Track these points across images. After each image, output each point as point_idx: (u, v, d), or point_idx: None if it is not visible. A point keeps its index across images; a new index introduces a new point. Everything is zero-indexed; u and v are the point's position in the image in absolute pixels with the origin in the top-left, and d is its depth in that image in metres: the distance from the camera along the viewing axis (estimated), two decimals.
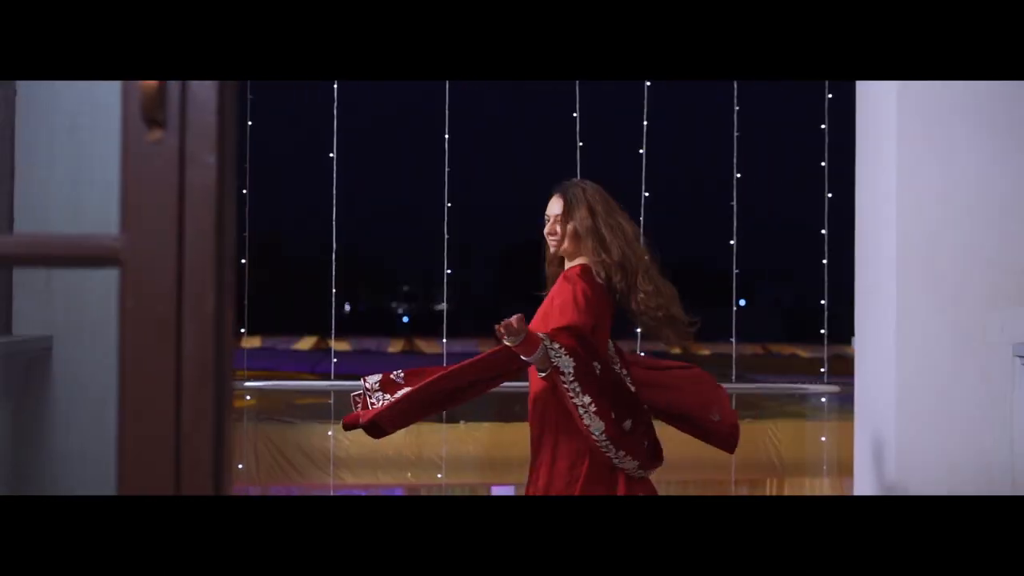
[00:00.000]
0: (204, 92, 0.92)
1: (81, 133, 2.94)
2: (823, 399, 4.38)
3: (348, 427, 2.70)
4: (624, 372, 2.74)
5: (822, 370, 4.17)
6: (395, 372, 2.69)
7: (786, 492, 5.15)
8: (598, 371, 2.58)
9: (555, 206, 2.82)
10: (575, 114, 3.87)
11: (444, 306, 4.36)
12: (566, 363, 2.53)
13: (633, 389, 2.71)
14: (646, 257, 2.78)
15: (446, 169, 3.80)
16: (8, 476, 2.83)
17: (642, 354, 3.61)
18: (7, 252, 0.95)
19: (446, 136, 3.80)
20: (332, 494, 4.31)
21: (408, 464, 4.59)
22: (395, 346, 14.62)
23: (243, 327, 3.94)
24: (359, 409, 2.67)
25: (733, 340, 3.92)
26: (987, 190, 3.20)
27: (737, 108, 3.96)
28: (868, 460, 3.42)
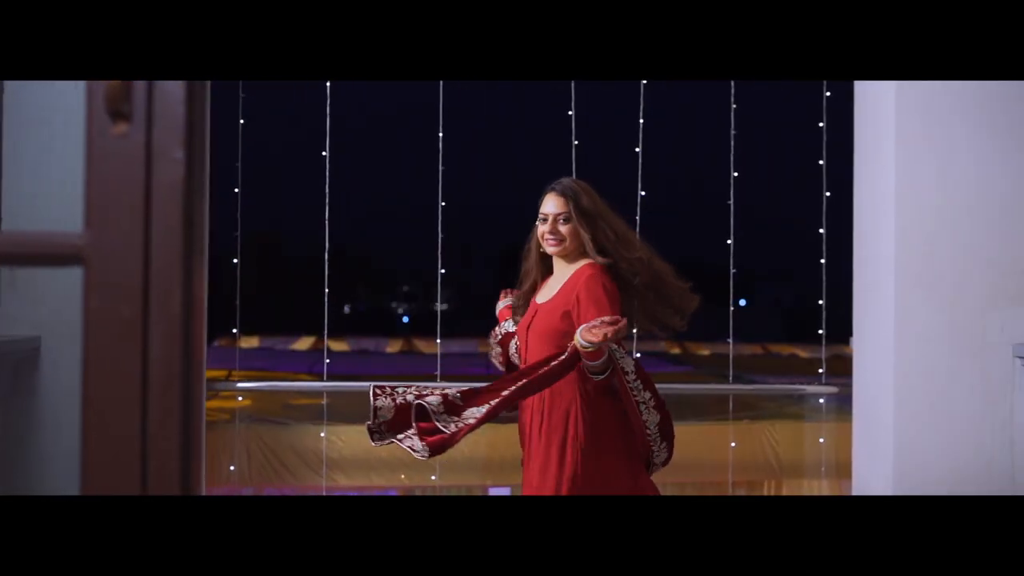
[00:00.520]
0: (171, 85, 0.89)
1: (46, 128, 2.89)
2: (821, 400, 4.35)
3: (437, 452, 2.60)
4: None
5: (820, 371, 4.14)
6: (452, 393, 2.56)
7: (784, 494, 5.12)
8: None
9: (554, 204, 2.77)
10: (570, 112, 3.85)
11: (439, 306, 4.34)
12: (628, 363, 2.61)
13: None
14: (640, 255, 2.76)
15: (440, 168, 3.79)
16: None
17: (638, 355, 3.58)
18: None
19: (440, 134, 3.79)
20: (316, 495, 4.28)
21: (402, 466, 4.56)
22: (393, 346, 14.58)
23: (235, 327, 3.91)
24: (419, 431, 2.56)
25: (730, 340, 3.89)
26: (986, 190, 3.19)
27: (735, 106, 3.94)
28: (867, 462, 3.40)
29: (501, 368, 3.01)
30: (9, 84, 2.99)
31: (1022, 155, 3.20)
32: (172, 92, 0.89)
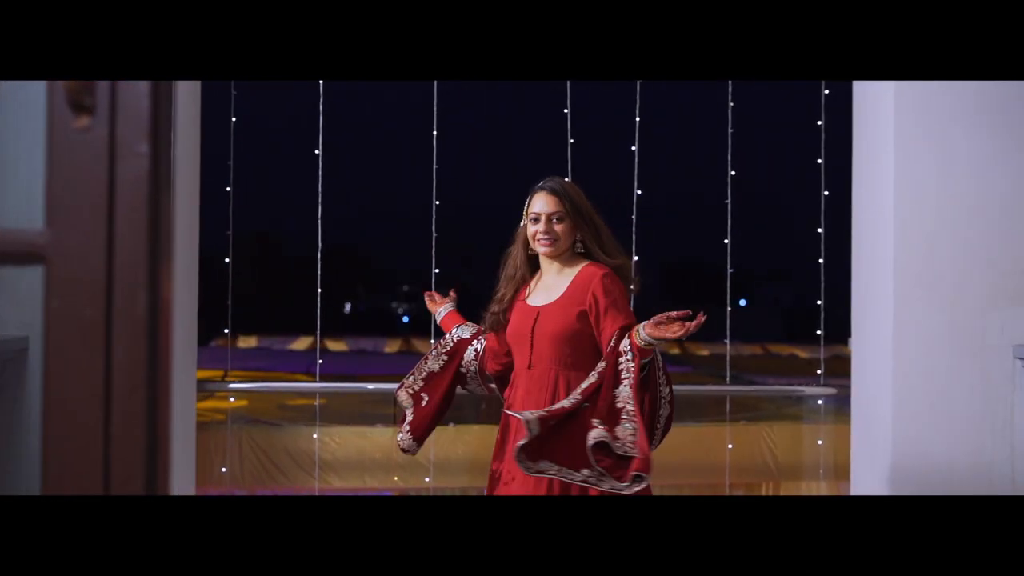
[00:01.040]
0: None
1: (5, 121, 2.83)
2: (819, 401, 4.32)
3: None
4: None
5: (818, 372, 4.11)
6: (547, 409, 2.52)
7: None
8: None
9: (547, 204, 2.73)
10: (566, 110, 3.83)
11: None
12: (659, 357, 2.63)
13: None
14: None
15: (434, 167, 3.77)
16: None
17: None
18: None
19: (434, 132, 3.77)
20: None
21: (395, 467, 4.54)
22: (392, 346, 14.56)
23: (227, 327, 3.88)
24: (609, 470, 2.47)
25: (727, 341, 3.86)
26: (986, 190, 3.17)
27: (732, 104, 3.91)
28: (865, 464, 3.38)
29: (444, 377, 2.90)
30: None
31: (1022, 155, 3.19)
32: (136, 84, 0.85)
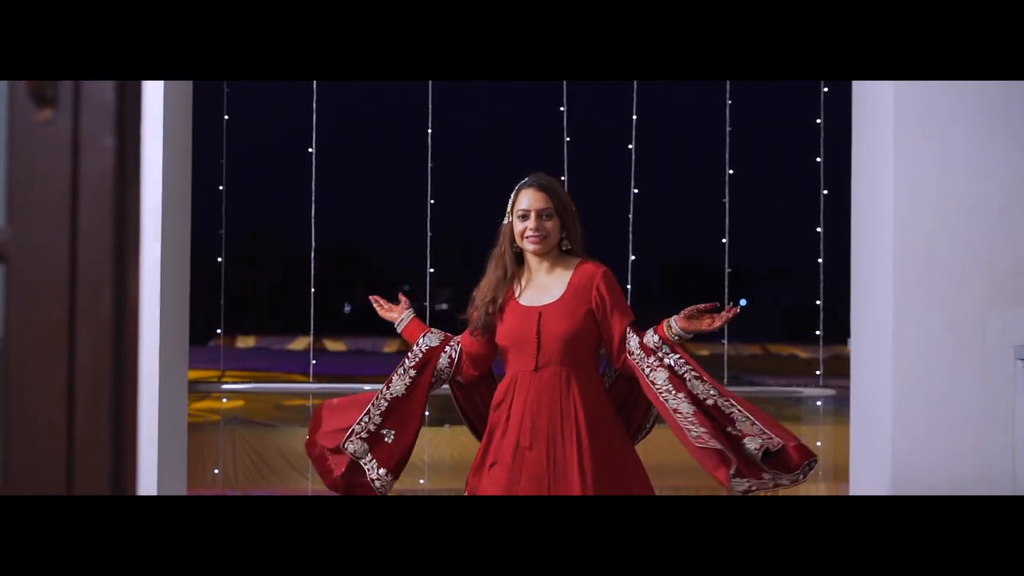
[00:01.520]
0: None
1: None
2: (819, 403, 4.29)
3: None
4: None
5: (817, 372, 4.08)
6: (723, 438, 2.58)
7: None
8: None
9: (535, 200, 2.69)
10: (562, 108, 3.80)
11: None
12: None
13: None
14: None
15: (429, 165, 3.75)
16: None
17: None
18: None
19: (429, 131, 3.75)
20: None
21: None
22: (390, 346, 14.52)
23: (218, 327, 3.86)
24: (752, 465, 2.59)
25: (725, 341, 3.84)
26: (986, 190, 3.16)
27: (729, 102, 3.89)
28: (864, 467, 3.35)
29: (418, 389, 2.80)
30: None
31: (1022, 155, 3.17)
32: None
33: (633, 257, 3.88)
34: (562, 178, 3.82)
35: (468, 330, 2.80)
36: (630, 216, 3.87)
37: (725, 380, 4.34)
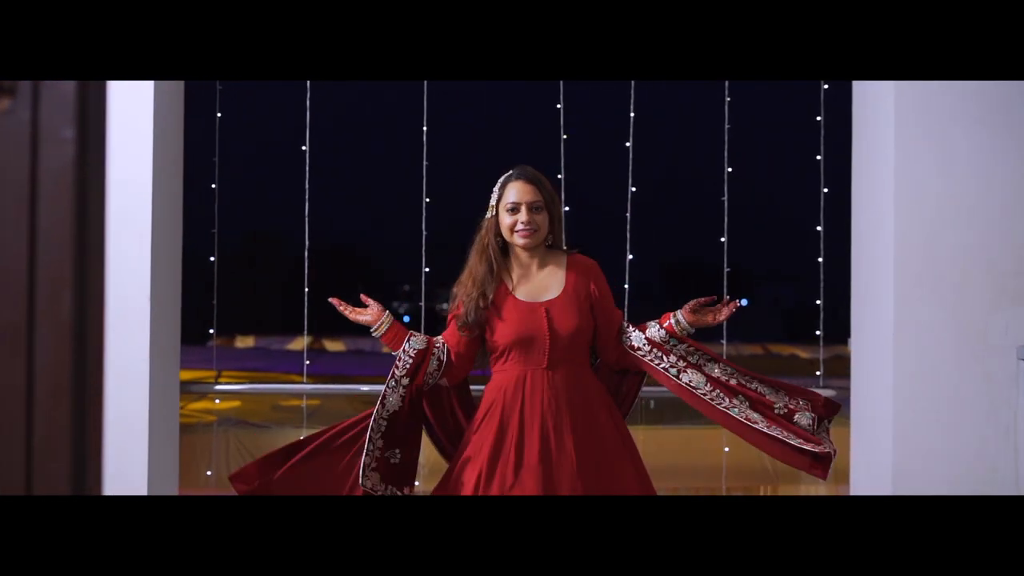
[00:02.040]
0: None
1: None
2: None
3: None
4: None
5: (818, 372, 4.05)
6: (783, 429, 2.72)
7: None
8: None
9: (525, 192, 2.65)
10: (559, 105, 3.77)
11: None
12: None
13: None
14: None
15: (424, 163, 3.72)
16: None
17: None
18: None
19: (424, 128, 3.73)
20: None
21: None
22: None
23: (212, 327, 3.83)
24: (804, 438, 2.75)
25: (723, 341, 3.81)
26: (987, 190, 3.15)
27: (728, 99, 3.86)
28: (865, 468, 3.33)
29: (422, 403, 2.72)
30: None
31: (1022, 155, 3.15)
32: None
33: (631, 256, 3.86)
34: (559, 176, 3.78)
35: (454, 328, 2.69)
36: (628, 215, 3.85)
37: None
